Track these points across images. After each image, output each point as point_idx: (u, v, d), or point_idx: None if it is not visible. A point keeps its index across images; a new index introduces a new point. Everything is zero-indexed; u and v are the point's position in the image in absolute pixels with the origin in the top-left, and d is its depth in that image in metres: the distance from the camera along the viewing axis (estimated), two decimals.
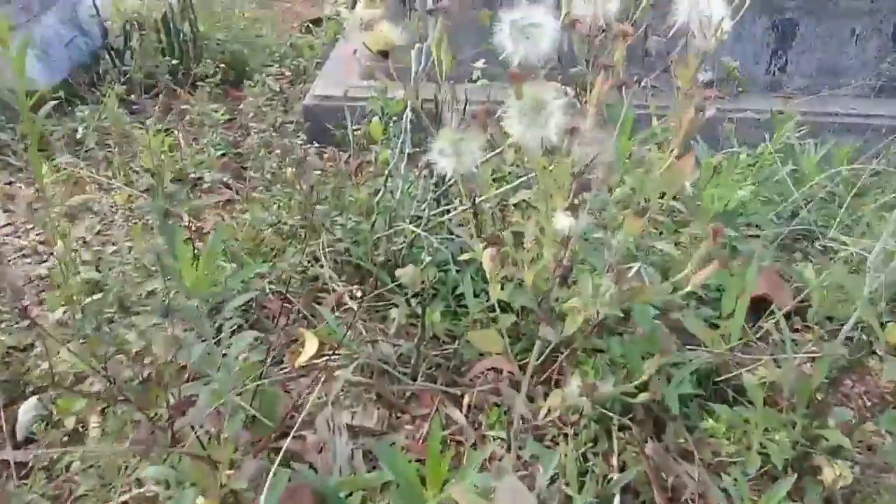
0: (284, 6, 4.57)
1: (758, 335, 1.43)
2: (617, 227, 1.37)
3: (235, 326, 1.52)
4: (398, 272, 1.31)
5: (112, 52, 3.14)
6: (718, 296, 1.58)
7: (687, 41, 0.93)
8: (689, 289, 0.87)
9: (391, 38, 0.88)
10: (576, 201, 0.77)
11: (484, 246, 0.86)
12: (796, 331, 1.66)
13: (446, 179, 1.64)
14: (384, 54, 0.88)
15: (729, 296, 1.36)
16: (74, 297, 1.52)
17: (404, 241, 1.66)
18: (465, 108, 1.77)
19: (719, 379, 1.42)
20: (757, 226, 1.96)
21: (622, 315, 1.48)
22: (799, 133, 2.24)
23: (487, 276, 0.89)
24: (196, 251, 1.45)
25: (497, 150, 1.29)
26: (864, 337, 1.18)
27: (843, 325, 1.26)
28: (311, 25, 4.10)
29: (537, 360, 1.00)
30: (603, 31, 0.93)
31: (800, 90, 2.78)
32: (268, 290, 1.75)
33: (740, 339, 1.33)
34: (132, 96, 2.75)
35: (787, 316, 1.53)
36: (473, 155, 0.79)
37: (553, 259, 0.87)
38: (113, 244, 1.89)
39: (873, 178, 2.14)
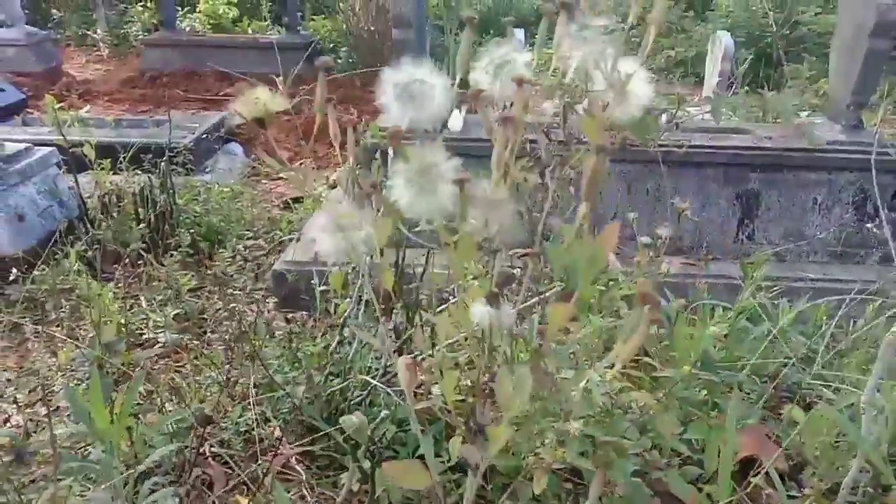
0: (268, 185, 4.72)
1: (747, 491, 1.28)
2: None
3: (160, 488, 1.34)
4: (342, 419, 1.18)
5: (87, 222, 3.16)
6: (703, 455, 1.44)
7: None
8: (617, 367, 0.75)
9: (269, 106, 0.83)
10: (495, 289, 0.68)
11: (398, 353, 0.75)
12: (791, 497, 1.49)
13: (406, 328, 1.55)
14: (260, 122, 0.83)
15: (711, 451, 1.23)
16: None
17: (359, 396, 1.53)
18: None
19: None
20: (738, 387, 1.86)
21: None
22: (770, 295, 2.20)
23: (405, 393, 0.77)
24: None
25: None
26: (871, 490, 1.04)
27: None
28: (290, 202, 4.20)
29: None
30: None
31: (771, 258, 2.79)
32: (207, 454, 1.58)
33: (729, 500, 1.18)
34: (101, 263, 2.71)
35: (781, 479, 1.38)
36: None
37: (479, 363, 0.76)
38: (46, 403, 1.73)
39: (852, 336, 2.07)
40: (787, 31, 8.49)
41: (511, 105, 0.82)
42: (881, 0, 2.58)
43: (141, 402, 1.64)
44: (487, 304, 0.68)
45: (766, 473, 1.19)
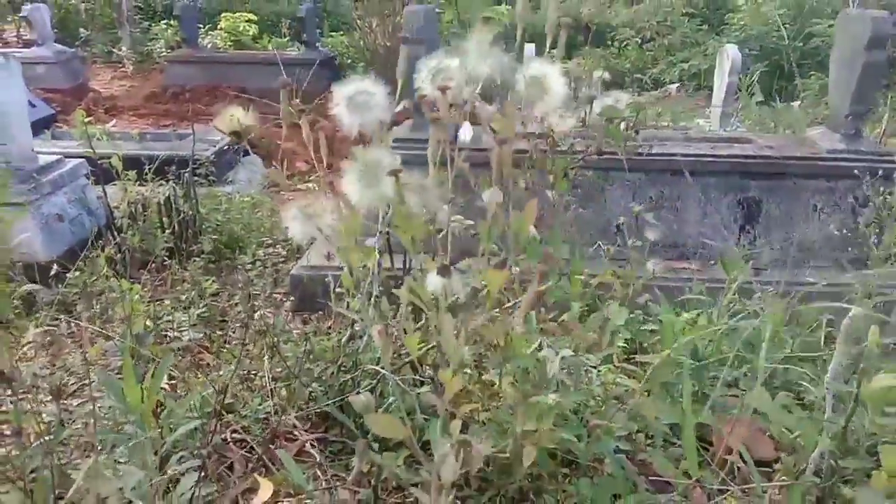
0: (288, 196, 4.87)
1: (722, 469, 1.36)
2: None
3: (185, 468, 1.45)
4: (351, 398, 1.29)
5: (114, 230, 3.31)
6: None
7: None
8: (522, 312, 0.86)
9: (243, 122, 0.95)
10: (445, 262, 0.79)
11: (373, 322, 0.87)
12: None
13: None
14: (237, 135, 0.95)
15: (686, 438, 1.32)
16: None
17: (369, 385, 1.64)
18: None
19: None
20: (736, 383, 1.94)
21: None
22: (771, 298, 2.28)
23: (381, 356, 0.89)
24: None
25: None
26: (833, 463, 1.13)
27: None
28: None
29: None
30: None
31: (770, 262, 2.87)
32: (228, 439, 1.70)
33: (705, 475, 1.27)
34: (129, 269, 2.85)
35: (769, 466, 1.46)
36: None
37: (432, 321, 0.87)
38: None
39: None
40: (801, 44, 8.56)
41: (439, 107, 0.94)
42: (876, 14, 2.67)
43: (166, 390, 1.76)
44: (440, 274, 0.80)
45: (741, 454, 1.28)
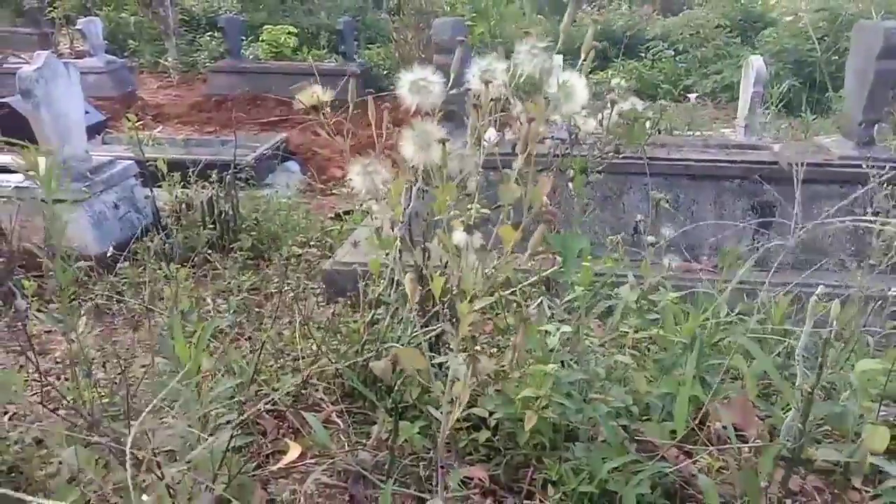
0: (322, 199, 5.08)
1: (704, 433, 1.49)
2: None
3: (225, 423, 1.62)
4: (372, 364, 1.45)
5: (160, 227, 3.54)
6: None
7: None
8: (528, 255, 1.01)
9: (321, 97, 1.12)
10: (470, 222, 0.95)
11: (405, 273, 1.02)
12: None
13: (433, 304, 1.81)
14: (315, 109, 1.12)
15: (681, 403, 1.45)
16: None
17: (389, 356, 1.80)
18: None
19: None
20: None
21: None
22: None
23: (408, 294, 1.04)
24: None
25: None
26: (800, 426, 1.25)
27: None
28: (341, 214, 4.54)
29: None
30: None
31: (785, 265, 2.96)
32: (262, 409, 1.87)
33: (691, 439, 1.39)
34: (172, 263, 3.07)
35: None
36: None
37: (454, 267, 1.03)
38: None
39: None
40: (835, 56, 8.54)
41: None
42: (888, 25, 2.76)
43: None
44: (465, 231, 0.97)
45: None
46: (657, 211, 2.52)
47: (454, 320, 1.07)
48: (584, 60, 1.22)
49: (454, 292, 1.06)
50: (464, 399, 1.11)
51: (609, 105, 2.05)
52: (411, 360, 1.14)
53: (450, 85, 1.12)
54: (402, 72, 1.07)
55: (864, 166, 2.62)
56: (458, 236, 0.98)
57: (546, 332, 1.54)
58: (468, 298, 1.02)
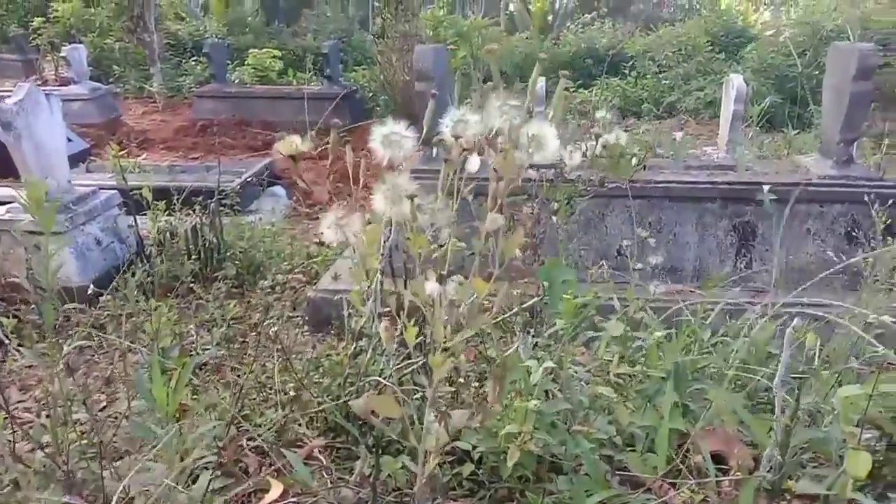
0: (308, 224, 5.07)
1: (685, 465, 1.48)
2: None
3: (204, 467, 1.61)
4: (351, 402, 1.44)
5: (144, 257, 3.52)
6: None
7: None
8: (494, 312, 1.01)
9: (299, 146, 1.12)
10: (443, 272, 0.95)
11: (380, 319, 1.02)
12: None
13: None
14: (293, 158, 1.12)
15: (661, 435, 1.45)
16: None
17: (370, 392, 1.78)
18: None
19: None
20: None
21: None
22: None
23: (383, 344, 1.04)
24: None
25: None
26: (780, 458, 1.25)
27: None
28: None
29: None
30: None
31: (767, 285, 2.97)
32: (245, 447, 1.85)
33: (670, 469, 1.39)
34: (156, 294, 3.05)
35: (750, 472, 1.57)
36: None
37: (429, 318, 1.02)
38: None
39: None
40: (815, 71, 8.64)
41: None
42: (862, 47, 2.80)
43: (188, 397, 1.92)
44: (438, 281, 0.97)
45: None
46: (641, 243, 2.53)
47: (429, 370, 1.07)
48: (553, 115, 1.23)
49: (427, 343, 1.06)
50: (438, 450, 1.11)
51: (594, 139, 2.07)
52: (386, 407, 1.14)
53: (422, 139, 1.13)
54: (374, 127, 1.08)
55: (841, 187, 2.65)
56: (431, 286, 0.98)
57: (528, 368, 1.53)
58: (440, 349, 1.01)
